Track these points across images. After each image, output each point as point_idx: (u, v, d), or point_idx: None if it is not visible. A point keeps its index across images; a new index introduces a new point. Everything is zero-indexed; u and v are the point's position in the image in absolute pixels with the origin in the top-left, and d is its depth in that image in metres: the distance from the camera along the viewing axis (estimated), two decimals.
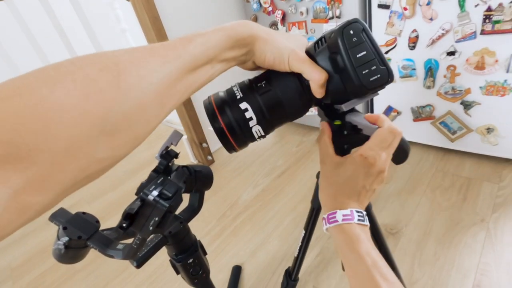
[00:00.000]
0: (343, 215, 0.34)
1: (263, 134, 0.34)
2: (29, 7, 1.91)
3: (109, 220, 1.49)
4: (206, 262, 0.62)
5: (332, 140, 0.63)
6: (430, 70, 1.25)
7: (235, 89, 0.33)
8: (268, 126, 0.33)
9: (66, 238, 0.36)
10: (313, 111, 1.76)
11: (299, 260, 0.82)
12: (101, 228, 0.40)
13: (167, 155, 0.41)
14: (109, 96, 0.20)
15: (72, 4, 1.78)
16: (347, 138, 0.61)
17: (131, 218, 0.35)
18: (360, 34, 0.29)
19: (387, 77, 0.30)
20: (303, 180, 1.49)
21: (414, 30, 1.20)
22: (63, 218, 0.37)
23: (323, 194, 0.37)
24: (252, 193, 1.49)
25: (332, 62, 0.31)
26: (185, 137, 1.79)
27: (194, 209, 0.57)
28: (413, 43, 1.23)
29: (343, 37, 0.29)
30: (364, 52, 0.29)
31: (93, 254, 1.13)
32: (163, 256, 0.56)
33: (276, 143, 1.88)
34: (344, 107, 0.34)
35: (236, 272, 1.08)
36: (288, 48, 0.31)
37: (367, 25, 0.30)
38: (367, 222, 0.34)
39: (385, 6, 1.22)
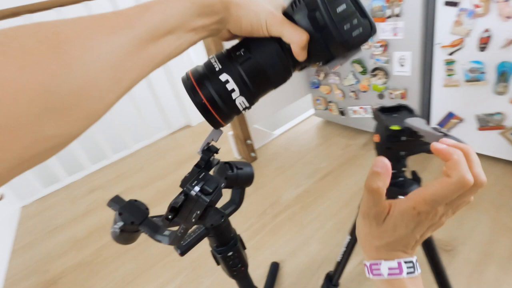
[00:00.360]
0: (389, 269, 0.28)
1: (247, 105, 0.32)
2: (100, 9, 2.12)
3: (157, 206, 1.60)
4: (245, 257, 0.64)
5: (387, 147, 0.61)
6: (504, 74, 1.12)
7: (212, 60, 0.31)
8: (252, 96, 0.32)
9: (121, 223, 0.40)
10: (361, 113, 1.68)
11: (342, 265, 0.81)
12: (150, 214, 0.44)
13: (208, 150, 0.42)
14: (49, 69, 0.18)
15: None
16: (404, 145, 0.59)
17: (175, 211, 0.37)
18: None
19: (369, 31, 0.28)
20: (348, 185, 1.45)
21: (487, 30, 1.08)
22: (118, 204, 0.41)
23: (363, 240, 0.31)
24: (293, 193, 1.49)
25: (311, 21, 0.28)
26: (230, 133, 1.84)
27: (235, 205, 0.59)
28: (484, 44, 1.11)
29: None
30: (344, 6, 0.27)
31: (144, 236, 1.23)
32: (205, 245, 0.59)
33: (320, 145, 1.84)
34: (328, 68, 0.32)
35: (274, 268, 1.10)
36: (265, 11, 0.29)
37: None
38: (418, 271, 0.28)
39: (453, 4, 1.12)
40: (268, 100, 1.87)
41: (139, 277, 1.23)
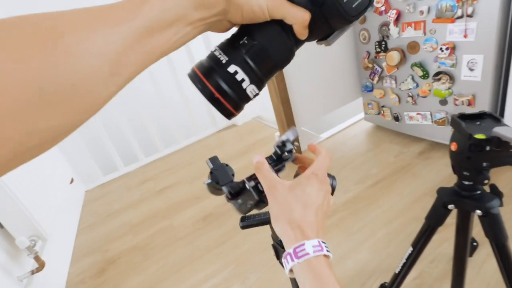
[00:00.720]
0: (313, 246, 0.30)
1: (257, 92, 0.32)
2: None
3: (206, 200, 1.67)
4: None
5: (468, 156, 0.57)
6: None
7: (217, 53, 0.31)
8: (260, 82, 0.32)
9: (209, 180, 0.44)
10: (419, 119, 1.57)
11: (400, 277, 0.77)
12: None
13: (283, 146, 0.43)
14: (44, 63, 0.18)
15: None
16: (488, 155, 0.55)
17: (232, 195, 0.40)
18: None
19: (367, 1, 0.29)
20: (401, 194, 1.38)
21: None
22: (213, 164, 0.45)
23: (280, 225, 0.33)
24: (341, 198, 1.45)
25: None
26: (277, 133, 1.86)
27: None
28: None
29: None
30: None
31: (193, 227, 1.29)
32: (253, 243, 0.60)
33: (370, 151, 1.78)
34: (329, 41, 0.32)
35: None
36: None
37: None
38: (331, 254, 0.31)
39: None
40: (318, 102, 1.85)
41: (188, 265, 1.30)
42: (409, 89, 1.57)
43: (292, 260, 0.30)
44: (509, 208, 1.15)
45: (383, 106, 1.79)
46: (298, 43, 0.32)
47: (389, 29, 1.50)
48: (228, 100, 0.31)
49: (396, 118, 1.74)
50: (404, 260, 0.75)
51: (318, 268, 0.29)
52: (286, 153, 0.43)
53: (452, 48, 1.30)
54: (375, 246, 1.16)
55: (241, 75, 0.30)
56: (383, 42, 1.57)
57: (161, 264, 1.35)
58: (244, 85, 0.31)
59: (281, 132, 1.82)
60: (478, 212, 0.59)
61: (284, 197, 0.34)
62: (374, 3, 1.53)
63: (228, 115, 0.32)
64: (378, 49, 1.62)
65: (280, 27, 0.31)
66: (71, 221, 1.79)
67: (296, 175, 0.39)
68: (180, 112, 2.55)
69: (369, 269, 1.07)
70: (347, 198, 1.44)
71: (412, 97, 1.58)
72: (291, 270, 0.31)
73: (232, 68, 0.30)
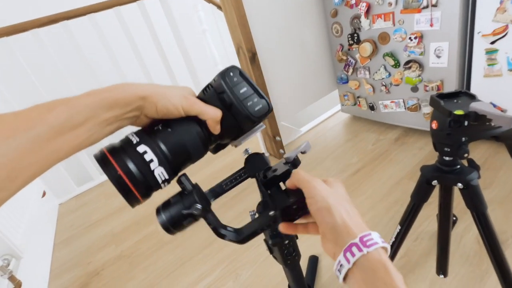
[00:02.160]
0: (379, 237, 0.29)
1: (166, 177, 0.32)
2: (129, 12, 2.18)
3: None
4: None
5: (448, 133, 0.60)
6: None
7: (130, 136, 0.32)
8: (171, 168, 0.32)
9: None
10: (393, 107, 1.63)
11: (390, 255, 0.80)
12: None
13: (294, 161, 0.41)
14: None
15: (163, 7, 1.99)
16: (466, 130, 0.58)
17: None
18: (238, 75, 0.34)
19: (267, 107, 0.34)
20: (381, 179, 1.43)
21: None
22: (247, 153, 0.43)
23: (339, 216, 0.30)
24: None
25: (221, 101, 0.33)
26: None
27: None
28: None
29: (226, 79, 0.33)
30: (245, 89, 0.34)
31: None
32: None
33: (349, 141, 1.83)
34: (239, 141, 0.37)
35: (313, 261, 1.10)
36: (178, 95, 0.32)
37: (242, 70, 0.35)
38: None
39: None
40: (296, 97, 1.88)
41: (178, 269, 1.26)
42: (382, 78, 1.63)
43: (360, 250, 0.27)
44: (485, 180, 1.23)
45: (358, 97, 1.85)
46: (212, 138, 0.35)
47: (360, 22, 1.55)
48: (135, 184, 0.29)
49: (372, 108, 1.80)
50: (393, 239, 0.78)
51: (387, 260, 0.27)
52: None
53: (420, 37, 1.37)
54: None
55: (150, 155, 0.30)
56: (355, 35, 1.62)
57: (150, 270, 1.30)
58: (153, 165, 0.30)
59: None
60: (459, 185, 0.63)
61: (330, 189, 0.32)
62: None
63: (133, 201, 0.31)
64: (351, 41, 1.67)
65: (195, 121, 0.33)
66: (46, 237, 1.68)
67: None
68: None
69: None
70: None
71: (385, 86, 1.64)
72: (354, 264, 0.27)
73: (141, 148, 0.30)
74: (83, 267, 1.43)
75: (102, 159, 0.30)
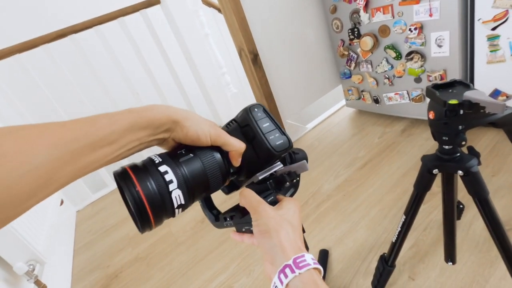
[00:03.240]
0: (312, 259, 0.29)
1: (182, 202, 0.31)
2: (133, 22, 2.25)
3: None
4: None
5: (444, 122, 0.62)
6: None
7: (153, 156, 0.32)
8: (188, 194, 0.32)
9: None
10: (397, 99, 1.64)
11: (397, 245, 0.82)
12: None
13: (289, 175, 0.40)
14: None
15: (165, 15, 2.04)
16: (462, 119, 0.59)
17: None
18: (262, 112, 0.36)
19: (287, 143, 0.36)
20: (389, 172, 1.44)
21: None
22: None
23: (276, 239, 0.31)
24: (333, 183, 1.50)
25: (244, 134, 0.35)
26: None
27: (294, 188, 0.63)
28: None
29: (251, 113, 0.35)
30: (268, 124, 0.35)
31: (192, 230, 1.31)
32: None
33: (355, 135, 1.84)
34: (258, 176, 0.37)
35: (324, 255, 1.12)
36: (208, 124, 0.33)
37: (265, 107, 0.37)
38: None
39: None
40: (300, 94, 1.90)
41: (193, 267, 1.31)
42: (385, 71, 1.63)
43: (293, 271, 0.28)
44: (487, 171, 1.23)
45: (362, 91, 1.86)
46: (231, 170, 0.36)
47: (359, 16, 1.56)
48: (151, 204, 0.29)
49: (376, 101, 1.81)
50: (399, 229, 0.80)
51: (318, 280, 0.28)
52: (288, 183, 0.40)
53: (420, 28, 1.37)
54: (371, 223, 1.21)
55: (170, 175, 0.30)
56: (356, 29, 1.63)
57: (166, 270, 1.35)
58: (171, 187, 0.30)
59: None
60: (460, 172, 0.64)
61: (276, 213, 0.33)
62: None
63: (145, 223, 0.29)
64: (352, 36, 1.68)
65: (217, 151, 0.34)
66: (67, 242, 1.75)
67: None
68: None
69: (368, 244, 1.12)
70: (339, 182, 1.49)
71: (388, 78, 1.64)
72: (287, 285, 0.28)
73: (163, 168, 0.30)
74: (102, 270, 1.49)
75: (122, 174, 0.29)
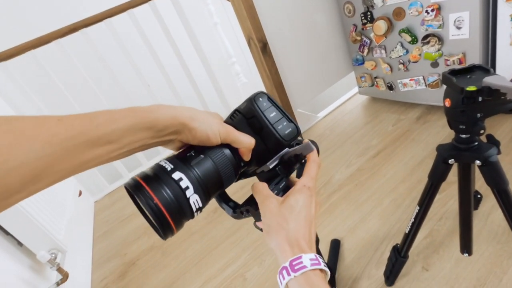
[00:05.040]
0: (310, 260, 0.29)
1: (200, 205, 0.31)
2: (142, 13, 2.24)
3: None
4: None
5: (462, 110, 0.59)
6: None
7: (162, 163, 0.31)
8: (205, 195, 0.31)
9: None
10: (412, 85, 1.59)
11: (410, 236, 0.80)
12: None
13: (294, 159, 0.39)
14: None
15: (173, 5, 2.02)
16: (481, 106, 0.56)
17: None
18: (267, 101, 0.35)
19: (296, 130, 0.35)
20: (403, 160, 1.40)
21: None
22: None
23: (275, 239, 0.31)
24: (345, 172, 1.48)
25: (251, 126, 0.34)
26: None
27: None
28: None
29: (255, 104, 0.34)
30: (275, 113, 0.34)
31: (205, 220, 1.32)
32: None
33: (368, 123, 1.79)
34: (264, 168, 0.37)
35: (335, 245, 1.12)
36: (216, 123, 0.32)
37: (269, 95, 0.36)
38: (328, 269, 0.30)
39: None
40: (311, 82, 1.86)
41: (206, 256, 1.34)
42: (400, 56, 1.57)
43: (289, 274, 0.28)
44: (508, 158, 1.17)
45: (376, 77, 1.80)
46: (241, 164, 0.35)
47: (373, 5, 1.49)
48: (169, 211, 0.28)
49: (390, 87, 1.75)
50: (412, 220, 0.78)
51: (316, 282, 0.28)
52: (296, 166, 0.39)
53: (437, 9, 1.30)
54: (383, 213, 1.19)
55: (185, 182, 0.29)
56: (369, 13, 1.57)
57: (180, 259, 1.39)
58: (188, 193, 0.29)
59: None
60: (478, 162, 0.62)
61: (278, 210, 0.33)
62: None
63: (167, 231, 0.29)
64: (364, 21, 1.61)
65: (227, 148, 0.34)
66: (86, 232, 1.83)
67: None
68: None
69: (380, 235, 1.11)
70: (351, 172, 1.46)
71: (403, 64, 1.58)
72: (286, 286, 0.29)
73: (177, 175, 0.29)
74: (120, 257, 1.55)
75: (137, 187, 0.28)
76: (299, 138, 0.53)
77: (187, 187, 0.29)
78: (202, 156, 0.32)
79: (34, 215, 1.26)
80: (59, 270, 1.24)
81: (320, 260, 0.30)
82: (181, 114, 0.30)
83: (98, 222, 1.95)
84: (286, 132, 0.34)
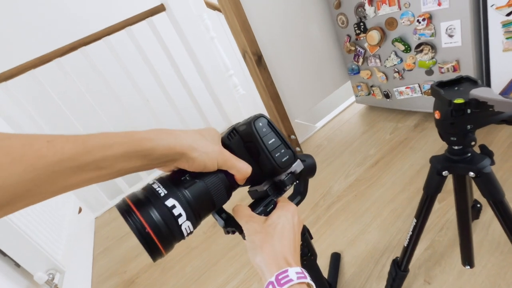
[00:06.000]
0: (297, 273, 0.29)
1: (192, 230, 0.31)
2: (140, 31, 2.28)
3: None
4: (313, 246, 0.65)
5: (451, 122, 0.58)
6: None
7: (155, 186, 0.30)
8: (196, 220, 0.31)
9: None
10: (408, 93, 1.58)
11: (409, 250, 0.78)
12: None
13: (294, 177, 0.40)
14: None
15: (171, 21, 2.06)
16: (470, 118, 0.56)
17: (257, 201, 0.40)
18: (267, 126, 0.35)
19: (293, 158, 0.35)
20: (401, 169, 1.39)
21: None
22: None
23: (261, 255, 0.31)
24: (344, 183, 1.46)
25: (248, 150, 0.35)
26: None
27: (300, 195, 0.61)
28: None
29: (256, 128, 0.34)
30: (273, 139, 0.34)
31: (205, 235, 1.31)
32: None
33: (365, 132, 1.79)
34: (262, 186, 0.37)
35: (336, 258, 1.10)
36: (215, 151, 0.32)
37: (269, 119, 0.35)
38: (314, 284, 0.30)
39: None
40: (308, 93, 1.87)
41: (206, 273, 1.31)
42: (394, 65, 1.58)
43: None
44: (506, 166, 1.16)
45: (372, 86, 1.80)
46: (234, 188, 0.36)
47: (365, 10, 1.51)
48: (159, 236, 0.28)
49: (387, 96, 1.75)
50: (410, 233, 0.76)
51: None
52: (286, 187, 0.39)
53: (429, 18, 1.31)
54: (383, 224, 1.17)
55: (178, 209, 0.29)
56: (361, 23, 1.58)
57: (179, 276, 1.37)
58: (180, 220, 0.29)
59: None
60: (471, 174, 0.61)
61: (262, 228, 0.33)
62: None
63: (156, 255, 0.29)
64: (358, 31, 1.63)
65: (222, 171, 0.34)
66: (86, 249, 1.81)
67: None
68: (173, 124, 2.56)
69: (380, 247, 1.09)
70: (350, 182, 1.45)
71: (398, 72, 1.59)
72: None
73: (170, 202, 0.29)
74: (120, 275, 1.53)
75: (127, 212, 0.28)
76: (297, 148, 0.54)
77: (180, 215, 0.29)
78: (196, 180, 0.31)
79: (31, 236, 1.25)
80: None
81: (306, 274, 0.30)
82: (180, 144, 0.29)
83: (99, 239, 1.93)
84: (282, 160, 0.35)
